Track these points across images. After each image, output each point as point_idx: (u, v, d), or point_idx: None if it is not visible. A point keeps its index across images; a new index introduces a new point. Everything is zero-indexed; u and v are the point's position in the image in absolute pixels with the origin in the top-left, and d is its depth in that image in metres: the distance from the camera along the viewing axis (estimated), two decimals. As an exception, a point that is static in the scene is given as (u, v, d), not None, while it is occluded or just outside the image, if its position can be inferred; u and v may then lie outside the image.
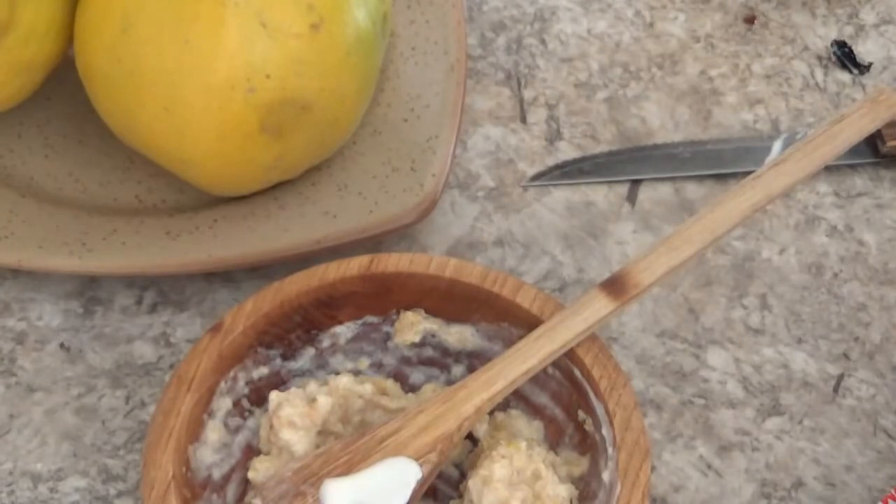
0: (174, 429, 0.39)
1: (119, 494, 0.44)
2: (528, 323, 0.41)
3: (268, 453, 0.41)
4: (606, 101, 0.57)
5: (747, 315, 0.49)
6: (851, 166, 0.54)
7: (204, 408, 0.40)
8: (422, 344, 0.44)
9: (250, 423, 0.42)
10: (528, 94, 0.57)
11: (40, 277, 0.49)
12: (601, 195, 0.53)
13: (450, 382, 0.44)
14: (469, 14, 0.60)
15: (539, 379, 0.41)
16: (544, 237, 0.52)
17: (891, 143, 0.53)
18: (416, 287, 0.43)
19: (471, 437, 0.42)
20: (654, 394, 0.47)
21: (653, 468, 0.45)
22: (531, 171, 0.54)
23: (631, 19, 0.60)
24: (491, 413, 0.42)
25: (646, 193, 0.53)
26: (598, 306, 0.40)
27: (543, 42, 0.59)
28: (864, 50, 0.59)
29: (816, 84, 0.58)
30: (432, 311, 0.43)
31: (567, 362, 0.41)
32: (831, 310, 0.50)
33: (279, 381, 0.43)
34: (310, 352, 0.43)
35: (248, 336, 0.41)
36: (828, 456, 0.45)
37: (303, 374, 0.43)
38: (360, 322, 0.43)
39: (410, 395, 0.43)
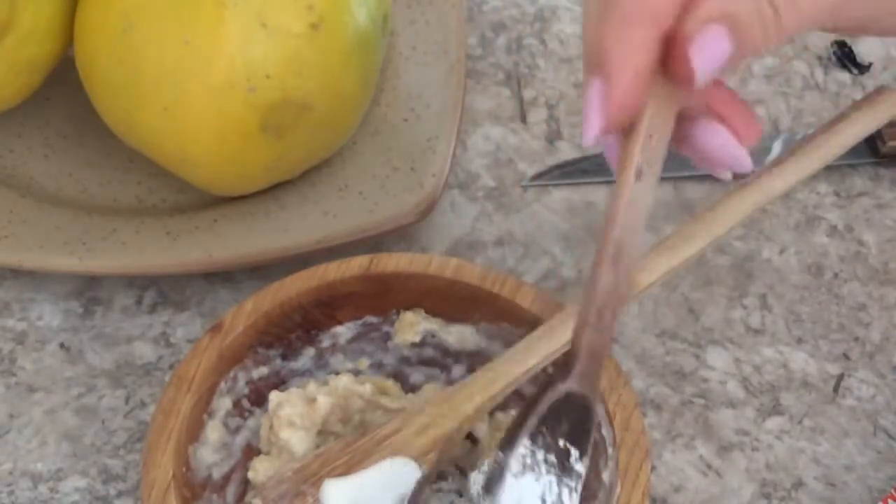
0: (174, 429, 0.39)
1: (119, 494, 0.44)
2: (528, 323, 0.41)
3: (268, 453, 0.41)
4: (606, 101, 0.57)
5: (747, 315, 0.49)
6: (851, 166, 0.54)
7: (204, 408, 0.40)
8: (422, 344, 0.44)
9: (250, 423, 0.42)
10: (528, 94, 0.57)
11: (40, 277, 0.49)
12: (601, 195, 0.53)
13: (450, 382, 0.44)
14: (469, 14, 0.60)
15: (539, 379, 0.41)
16: (544, 237, 0.52)
17: (891, 143, 0.53)
18: (416, 287, 0.43)
19: (471, 437, 0.42)
20: (654, 394, 0.47)
21: (653, 468, 0.45)
22: (531, 171, 0.54)
23: (631, 19, 0.60)
24: (491, 413, 0.42)
25: (646, 193, 0.53)
26: (598, 306, 0.40)
27: (543, 42, 0.59)
28: (864, 50, 0.59)
29: (816, 84, 0.58)
30: (432, 311, 0.43)
31: (567, 362, 0.41)
32: (831, 310, 0.50)
33: (279, 381, 0.43)
34: (310, 352, 0.43)
35: (248, 336, 0.41)
36: (828, 456, 0.45)
37: (303, 374, 0.43)
38: (360, 322, 0.43)
39: (410, 395, 0.43)
